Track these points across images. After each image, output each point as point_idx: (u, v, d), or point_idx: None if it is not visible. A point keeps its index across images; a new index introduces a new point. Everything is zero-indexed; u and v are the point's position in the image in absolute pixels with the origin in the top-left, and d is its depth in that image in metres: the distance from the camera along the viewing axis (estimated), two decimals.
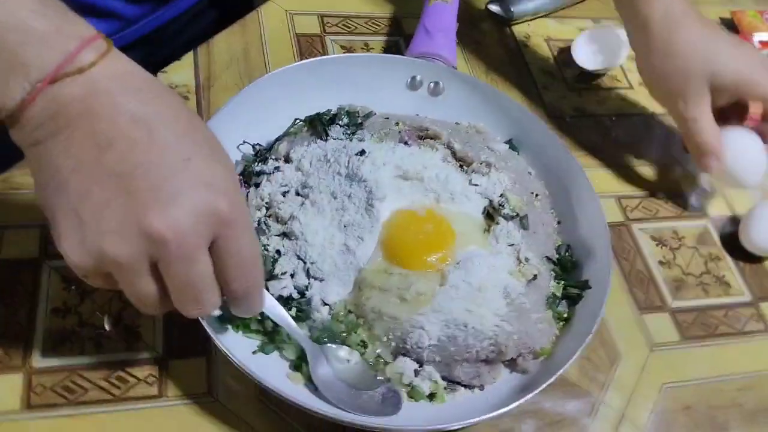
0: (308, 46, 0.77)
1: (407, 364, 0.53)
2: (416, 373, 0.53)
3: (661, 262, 0.67)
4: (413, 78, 0.68)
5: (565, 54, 0.84)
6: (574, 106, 0.79)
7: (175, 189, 0.36)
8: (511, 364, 0.55)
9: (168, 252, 0.36)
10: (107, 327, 0.54)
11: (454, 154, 0.63)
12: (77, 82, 0.36)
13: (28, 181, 0.59)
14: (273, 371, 0.51)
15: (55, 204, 0.37)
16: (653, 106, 0.82)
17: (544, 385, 0.49)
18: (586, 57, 0.81)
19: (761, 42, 0.92)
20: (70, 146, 0.36)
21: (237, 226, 0.39)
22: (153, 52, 0.73)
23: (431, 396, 0.52)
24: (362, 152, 0.56)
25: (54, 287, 0.54)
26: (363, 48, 0.79)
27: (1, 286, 0.54)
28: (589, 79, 0.82)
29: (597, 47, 0.82)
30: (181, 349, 0.53)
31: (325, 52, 0.77)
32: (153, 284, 0.38)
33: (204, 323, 0.48)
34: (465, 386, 0.53)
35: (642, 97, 0.82)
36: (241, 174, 0.59)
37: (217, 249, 0.39)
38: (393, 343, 0.53)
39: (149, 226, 0.35)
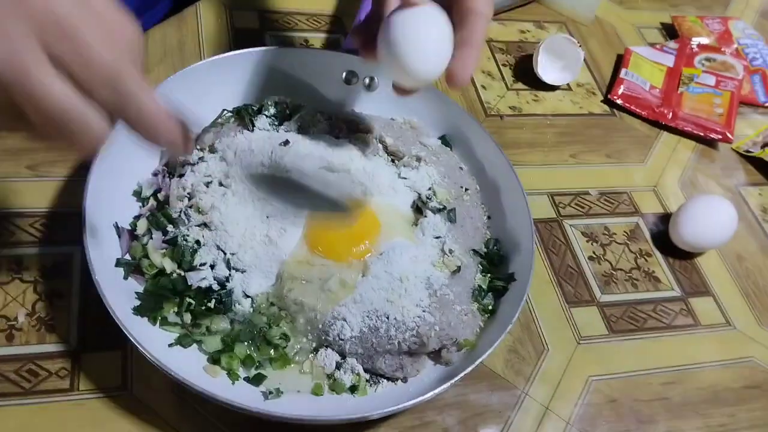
0: (246, 41, 0.76)
1: (330, 357, 0.52)
2: (338, 365, 0.52)
3: (591, 258, 0.68)
4: (349, 72, 0.68)
5: (506, 56, 0.85)
6: (511, 105, 0.80)
7: None
8: (435, 357, 0.54)
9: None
10: (20, 319, 0.52)
11: (385, 147, 0.63)
12: None
13: None
14: (190, 364, 0.50)
15: None
16: (590, 107, 0.83)
17: (463, 373, 0.49)
18: (545, 71, 0.81)
19: (700, 45, 0.94)
20: None
21: (67, 27, 0.34)
22: None
23: (353, 389, 0.52)
24: (286, 142, 0.56)
25: None
26: (302, 44, 0.78)
27: None
28: (546, 88, 0.83)
29: (557, 60, 0.82)
30: (96, 343, 0.52)
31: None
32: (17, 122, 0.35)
33: (115, 316, 0.47)
34: (388, 379, 0.53)
35: (579, 97, 0.84)
36: (166, 165, 0.59)
37: (62, 65, 0.34)
38: (315, 336, 0.52)
39: None
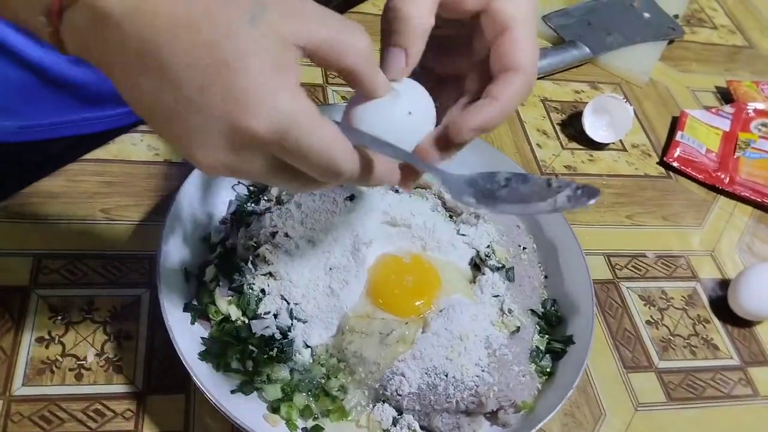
0: (310, 95, 0.79)
1: (386, 412, 0.52)
2: (395, 421, 0.52)
3: (648, 322, 0.67)
4: None
5: (561, 115, 0.86)
6: (566, 164, 0.80)
7: (259, 92, 0.35)
8: (492, 417, 0.54)
9: (275, 148, 0.37)
10: (89, 358, 0.54)
11: (444, 203, 0.64)
12: None
13: (25, 211, 0.61)
14: (250, 412, 0.51)
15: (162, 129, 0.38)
16: (645, 168, 0.83)
17: None
18: (593, 128, 0.82)
19: (756, 110, 0.94)
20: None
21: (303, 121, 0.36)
22: None
23: None
24: (351, 197, 0.58)
25: (40, 316, 0.55)
26: None
27: None
28: (597, 147, 0.84)
29: (605, 118, 0.83)
30: (161, 385, 0.53)
31: (326, 102, 0.79)
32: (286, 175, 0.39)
33: (184, 361, 0.48)
34: None
35: (634, 158, 0.84)
36: (233, 214, 0.61)
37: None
38: (373, 389, 0.53)
39: (248, 132, 0.36)
